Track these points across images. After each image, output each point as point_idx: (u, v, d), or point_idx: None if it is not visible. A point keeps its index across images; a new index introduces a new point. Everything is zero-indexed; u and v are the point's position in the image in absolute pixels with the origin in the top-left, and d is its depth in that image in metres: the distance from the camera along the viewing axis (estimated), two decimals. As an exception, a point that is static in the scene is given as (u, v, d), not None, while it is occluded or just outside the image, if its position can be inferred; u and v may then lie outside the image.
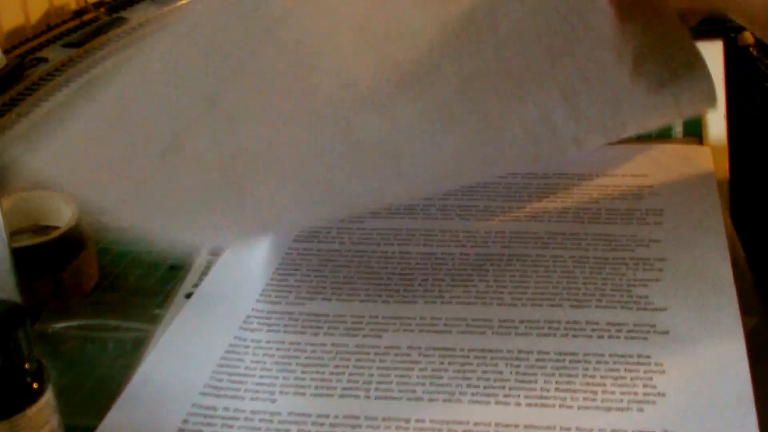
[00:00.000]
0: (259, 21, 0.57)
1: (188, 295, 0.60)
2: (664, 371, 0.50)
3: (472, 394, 0.49)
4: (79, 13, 1.00)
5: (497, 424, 0.47)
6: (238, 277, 0.61)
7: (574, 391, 0.49)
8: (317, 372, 0.52)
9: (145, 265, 0.65)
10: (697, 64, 0.64)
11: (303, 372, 0.52)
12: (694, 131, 0.77)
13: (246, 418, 0.49)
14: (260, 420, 0.49)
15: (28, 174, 0.60)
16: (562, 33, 0.58)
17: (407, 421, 0.48)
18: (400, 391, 0.50)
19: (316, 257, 0.63)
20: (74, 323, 0.58)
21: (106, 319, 0.59)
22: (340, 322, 0.56)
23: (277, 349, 0.54)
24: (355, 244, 0.64)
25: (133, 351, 0.56)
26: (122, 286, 0.63)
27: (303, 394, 0.50)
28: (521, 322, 0.55)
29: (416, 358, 0.52)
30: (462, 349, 0.53)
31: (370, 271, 0.61)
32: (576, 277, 0.58)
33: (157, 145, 0.56)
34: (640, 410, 0.47)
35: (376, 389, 0.50)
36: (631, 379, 0.49)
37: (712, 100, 0.67)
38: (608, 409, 0.47)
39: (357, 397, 0.50)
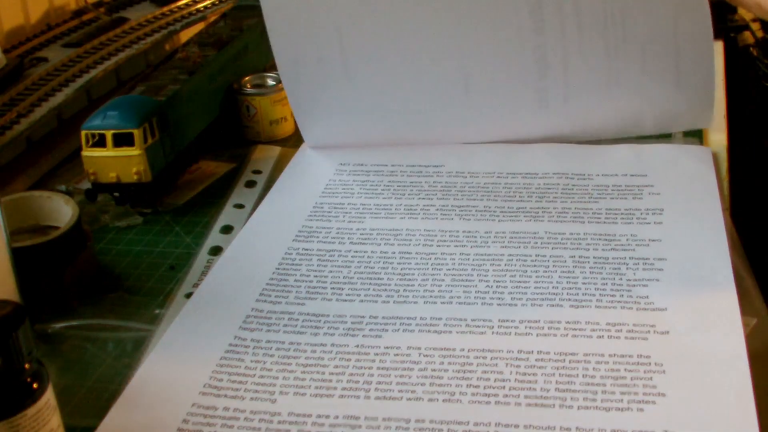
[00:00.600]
0: None
1: (188, 295, 0.60)
2: (664, 371, 0.50)
3: (472, 394, 0.49)
4: (79, 13, 1.00)
5: (497, 424, 0.47)
6: (238, 277, 0.61)
7: (574, 391, 0.49)
8: (317, 372, 0.52)
9: (145, 265, 0.65)
10: (707, 85, 0.71)
11: (303, 372, 0.52)
12: (694, 131, 0.77)
13: (246, 418, 0.49)
14: (260, 420, 0.49)
15: None
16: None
17: (407, 421, 0.48)
18: (400, 391, 0.50)
19: (316, 257, 0.63)
20: (74, 323, 0.58)
21: (106, 319, 0.59)
22: (340, 322, 0.56)
23: (277, 349, 0.54)
24: (355, 244, 0.64)
25: (133, 351, 0.56)
26: (122, 286, 0.63)
27: (303, 394, 0.50)
28: (521, 322, 0.55)
29: (416, 358, 0.52)
30: (462, 349, 0.53)
31: (370, 271, 0.61)
32: (576, 277, 0.58)
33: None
34: (640, 410, 0.47)
35: (376, 389, 0.50)
36: (631, 379, 0.49)
37: (706, 121, 0.71)
38: (608, 409, 0.47)
39: (357, 397, 0.50)
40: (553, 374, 0.50)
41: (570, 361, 0.51)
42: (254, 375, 0.52)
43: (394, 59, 0.73)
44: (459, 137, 0.76)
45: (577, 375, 0.50)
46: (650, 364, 0.50)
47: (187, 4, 1.03)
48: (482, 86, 0.74)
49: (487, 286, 0.58)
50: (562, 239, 0.62)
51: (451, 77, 0.73)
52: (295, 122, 0.82)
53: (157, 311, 0.59)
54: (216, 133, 0.80)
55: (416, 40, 0.72)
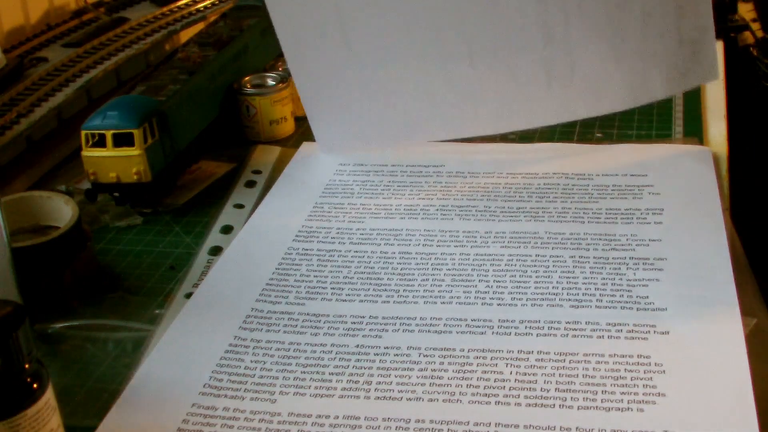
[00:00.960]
0: None
1: (188, 295, 0.60)
2: (664, 371, 0.50)
3: (472, 394, 0.49)
4: (79, 13, 1.00)
5: (497, 424, 0.47)
6: (238, 277, 0.61)
7: (574, 391, 0.49)
8: (317, 372, 0.52)
9: (145, 265, 0.65)
10: (708, 39, 0.71)
11: (303, 372, 0.52)
12: (694, 131, 0.77)
13: (246, 418, 0.49)
14: (260, 420, 0.49)
15: None
16: None
17: (407, 421, 0.48)
18: (400, 391, 0.50)
19: (316, 257, 0.63)
20: (74, 323, 0.58)
21: (106, 319, 0.59)
22: (340, 322, 0.56)
23: (277, 349, 0.54)
24: (355, 244, 0.64)
25: (133, 351, 0.56)
26: (122, 286, 0.63)
27: (303, 394, 0.50)
28: (521, 322, 0.55)
29: (416, 358, 0.52)
30: (462, 349, 0.53)
31: (370, 271, 0.61)
32: (576, 277, 0.58)
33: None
34: (640, 410, 0.47)
35: (376, 389, 0.50)
36: (631, 379, 0.49)
37: (713, 75, 0.71)
38: (608, 409, 0.47)
39: (357, 397, 0.50)
40: (553, 374, 0.50)
41: (570, 361, 0.51)
42: (254, 375, 0.52)
43: (397, 38, 0.72)
44: (467, 116, 0.75)
45: (577, 375, 0.50)
46: (650, 364, 0.50)
47: (187, 4, 1.03)
48: (487, 61, 0.73)
49: (487, 286, 0.58)
50: (562, 239, 0.62)
51: (455, 53, 0.72)
52: (295, 122, 0.82)
53: (157, 311, 0.59)
54: (216, 133, 0.80)
55: (418, 16, 0.71)
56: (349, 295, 0.59)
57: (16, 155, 0.79)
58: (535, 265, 0.60)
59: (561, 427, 0.47)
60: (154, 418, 0.49)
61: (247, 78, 0.82)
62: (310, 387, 0.51)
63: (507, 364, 0.51)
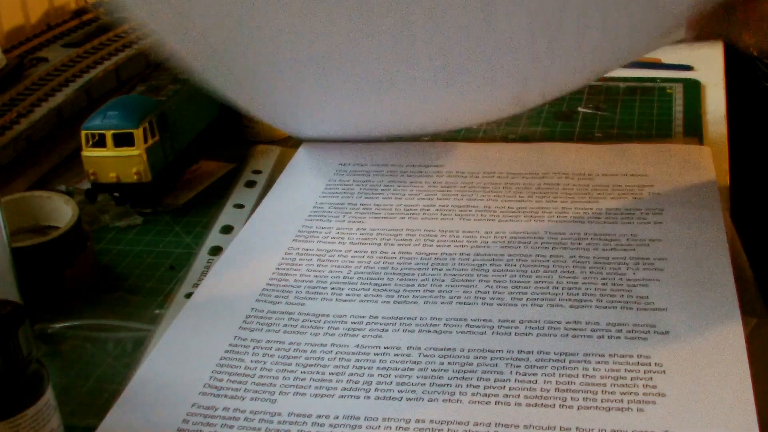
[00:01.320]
0: None
1: (188, 295, 0.60)
2: (664, 371, 0.50)
3: (472, 394, 0.49)
4: (79, 13, 1.00)
5: (497, 424, 0.47)
6: (238, 277, 0.61)
7: (574, 391, 0.49)
8: (317, 372, 0.52)
9: (145, 265, 0.65)
10: None
11: (303, 372, 0.52)
12: (694, 131, 0.77)
13: (246, 418, 0.49)
14: (260, 420, 0.49)
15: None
16: None
17: (407, 421, 0.48)
18: (400, 391, 0.50)
19: (316, 257, 0.63)
20: (74, 323, 0.58)
21: (106, 319, 0.59)
22: (340, 322, 0.56)
23: (277, 349, 0.54)
24: (355, 244, 0.64)
25: (133, 351, 0.56)
26: (122, 286, 0.63)
27: (303, 394, 0.50)
28: (521, 322, 0.55)
29: (416, 358, 0.52)
30: (462, 349, 0.53)
31: (370, 271, 0.61)
32: (576, 277, 0.58)
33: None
34: (640, 410, 0.47)
35: (376, 389, 0.50)
36: (631, 379, 0.49)
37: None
38: (608, 409, 0.47)
39: (357, 397, 0.50)
40: (553, 374, 0.50)
41: (570, 361, 0.51)
42: (254, 375, 0.52)
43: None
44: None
45: (577, 375, 0.50)
46: (650, 364, 0.50)
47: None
48: (477, 73, 0.68)
49: (487, 286, 0.58)
50: (562, 239, 0.62)
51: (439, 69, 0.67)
52: (295, 122, 0.82)
53: (157, 311, 0.59)
54: (216, 133, 0.80)
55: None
56: (349, 295, 0.59)
57: (16, 155, 0.79)
58: (535, 265, 0.60)
59: (561, 427, 0.47)
60: (154, 418, 0.49)
61: (247, 78, 0.82)
62: (310, 387, 0.51)
63: (507, 364, 0.51)
